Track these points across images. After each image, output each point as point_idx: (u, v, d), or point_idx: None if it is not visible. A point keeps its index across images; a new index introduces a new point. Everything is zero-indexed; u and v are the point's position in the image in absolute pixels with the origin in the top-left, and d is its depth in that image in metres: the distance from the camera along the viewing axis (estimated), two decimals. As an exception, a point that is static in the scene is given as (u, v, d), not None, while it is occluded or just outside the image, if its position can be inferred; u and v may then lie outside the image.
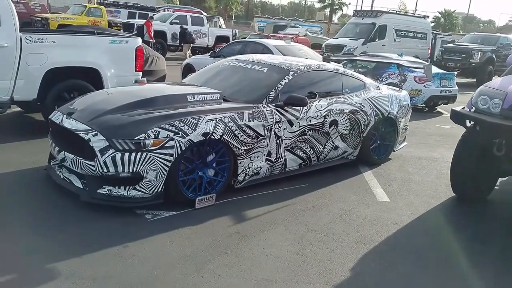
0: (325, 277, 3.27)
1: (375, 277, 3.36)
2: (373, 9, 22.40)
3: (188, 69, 11.64)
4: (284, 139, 4.89)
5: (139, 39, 7.28)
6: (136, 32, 18.20)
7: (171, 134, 4.00)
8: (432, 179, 5.77)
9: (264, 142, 4.69)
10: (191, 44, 19.89)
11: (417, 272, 3.47)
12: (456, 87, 11.38)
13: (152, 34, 18.32)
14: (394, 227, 4.24)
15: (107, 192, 3.94)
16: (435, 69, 11.16)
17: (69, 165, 4.14)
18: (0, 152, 5.37)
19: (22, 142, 5.87)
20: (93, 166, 3.90)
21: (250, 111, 4.64)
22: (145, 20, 19.47)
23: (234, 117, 4.47)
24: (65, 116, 4.39)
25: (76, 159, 4.04)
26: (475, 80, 18.00)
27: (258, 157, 4.68)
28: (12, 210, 3.93)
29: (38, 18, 20.74)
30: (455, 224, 4.60)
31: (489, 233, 4.33)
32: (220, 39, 22.48)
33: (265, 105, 4.81)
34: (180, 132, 4.04)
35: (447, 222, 4.62)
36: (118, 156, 3.86)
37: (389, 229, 4.18)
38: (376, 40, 18.68)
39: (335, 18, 58.59)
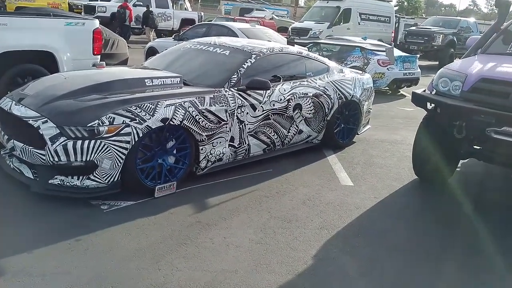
0: (288, 266, 3.20)
1: (339, 263, 3.31)
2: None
3: (152, 53, 11.32)
4: (247, 124, 4.77)
5: (97, 21, 6.96)
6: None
7: (127, 120, 3.82)
8: (394, 162, 5.80)
9: (226, 127, 4.56)
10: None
11: (381, 257, 3.45)
12: (419, 70, 11.52)
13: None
14: (357, 211, 4.21)
15: (59, 182, 3.74)
16: (398, 52, 11.26)
17: (19, 154, 3.91)
18: None
19: (-29, 130, 5.55)
20: (44, 155, 3.68)
21: (212, 96, 4.49)
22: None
23: (195, 101, 4.32)
24: (14, 102, 4.13)
25: (25, 148, 3.81)
26: (437, 62, 18.31)
27: (220, 142, 4.55)
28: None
29: (-7, 0, 19.71)
30: (418, 207, 4.63)
31: (451, 215, 4.36)
32: (186, 22, 22.00)
33: (227, 89, 4.67)
34: (137, 118, 3.87)
35: (410, 205, 4.63)
36: (70, 144, 3.65)
37: (352, 213, 4.15)
38: (341, 23, 18.71)
39: (301, 2, 58.39)
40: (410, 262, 3.43)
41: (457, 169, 5.25)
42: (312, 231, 3.73)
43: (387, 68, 10.54)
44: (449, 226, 4.09)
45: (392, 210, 4.38)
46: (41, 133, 3.68)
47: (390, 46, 9.09)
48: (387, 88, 11.14)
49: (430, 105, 4.48)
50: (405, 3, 58.92)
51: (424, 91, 4.76)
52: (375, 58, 10.49)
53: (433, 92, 4.60)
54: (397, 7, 47.75)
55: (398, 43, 19.98)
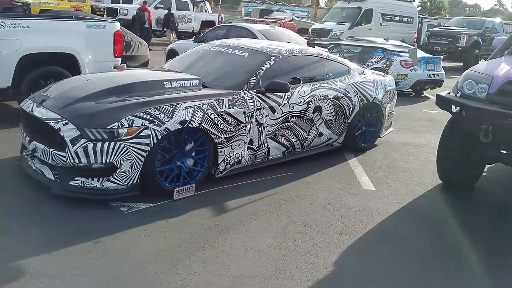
0: (307, 272, 3.13)
1: (360, 271, 3.23)
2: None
3: (172, 55, 11.36)
4: (266, 127, 4.73)
5: (118, 24, 7.02)
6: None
7: (146, 123, 3.81)
8: (418, 166, 5.67)
9: (245, 129, 4.52)
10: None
11: (403, 265, 3.36)
12: (443, 71, 11.29)
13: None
14: (380, 217, 4.12)
15: (80, 184, 3.75)
16: (421, 53, 11.05)
17: (40, 155, 3.94)
18: (-30, 143, 5.15)
19: (-5, 131, 5.65)
20: (64, 156, 3.70)
21: (230, 98, 4.46)
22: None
23: (213, 104, 4.29)
24: (35, 104, 4.17)
25: (47, 150, 3.84)
26: (461, 64, 17.96)
27: (239, 145, 4.52)
28: (-21, 204, 3.73)
29: (19, 3, 20.08)
30: (442, 212, 4.49)
31: (477, 221, 4.23)
32: (206, 24, 22.12)
33: (246, 91, 4.63)
34: (155, 121, 3.86)
35: (433, 211, 4.51)
36: (90, 146, 3.66)
37: (374, 219, 4.06)
38: (363, 24, 18.52)
39: (322, 3, 58.10)
40: (433, 270, 3.32)
41: (483, 174, 5.09)
42: (333, 237, 3.66)
43: (410, 70, 10.37)
44: (474, 233, 3.96)
45: (416, 216, 4.27)
46: (62, 135, 3.71)
47: (413, 47, 8.89)
48: (410, 90, 10.95)
49: (455, 108, 4.35)
50: (428, 4, 58.11)
51: (449, 93, 4.64)
52: (398, 59, 10.32)
53: (458, 95, 4.48)
54: (420, 8, 47.18)
55: (421, 44, 19.69)
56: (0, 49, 5.67)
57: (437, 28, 20.36)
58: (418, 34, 21.35)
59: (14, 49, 5.77)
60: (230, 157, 4.47)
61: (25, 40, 5.85)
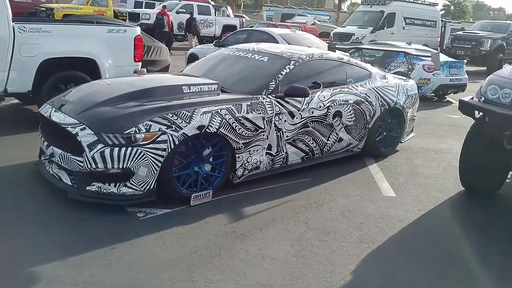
0: (325, 281, 3.06)
1: (379, 280, 3.14)
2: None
3: (193, 59, 11.38)
4: (285, 132, 4.67)
5: (138, 28, 7.06)
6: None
7: (164, 128, 3.80)
8: (440, 172, 5.53)
9: (263, 135, 4.47)
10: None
11: (424, 274, 3.25)
12: (466, 76, 11.07)
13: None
14: (400, 224, 4.01)
15: (97, 189, 3.75)
16: (444, 58, 10.86)
17: (58, 160, 3.96)
18: (-8, 146, 5.22)
19: (17, 135, 5.72)
20: (81, 162, 3.70)
21: (249, 103, 4.42)
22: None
23: (232, 109, 4.25)
24: (54, 109, 4.20)
25: (64, 155, 3.85)
26: (485, 68, 17.59)
27: (257, 150, 4.46)
28: (-2, 208, 3.76)
29: (43, 8, 20.54)
30: (465, 220, 4.36)
31: (500, 230, 4.09)
32: (227, 28, 22.20)
33: (265, 96, 4.58)
34: (173, 126, 3.84)
35: (456, 218, 4.39)
36: (107, 151, 3.66)
37: (395, 226, 3.96)
38: (385, 28, 18.33)
39: (344, 7, 57.86)
40: (454, 279, 3.21)
41: (507, 180, 4.93)
42: (351, 245, 3.57)
43: (433, 74, 10.18)
44: (496, 242, 3.82)
45: (437, 224, 4.15)
46: (79, 140, 3.71)
47: (436, 51, 8.75)
48: (432, 94, 10.75)
49: (478, 113, 4.24)
50: (452, 7, 57.23)
51: (472, 98, 4.51)
52: (420, 63, 10.14)
53: (482, 100, 4.35)
54: (443, 11, 46.50)
55: (444, 48, 19.36)
56: (21, 53, 5.74)
57: (460, 32, 19.99)
58: (441, 38, 21.00)
59: (35, 54, 5.85)
60: (248, 162, 4.42)
61: (45, 45, 5.92)
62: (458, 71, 10.80)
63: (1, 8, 5.57)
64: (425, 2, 21.59)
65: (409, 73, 9.25)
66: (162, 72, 8.09)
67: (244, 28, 18.67)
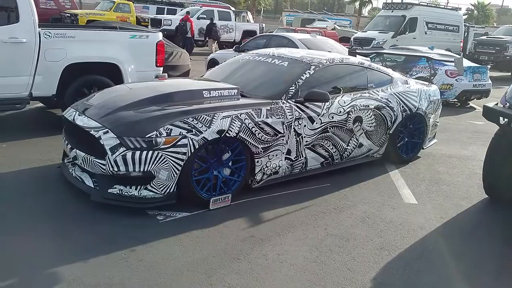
0: (344, 288, 3.03)
1: (399, 288, 3.10)
2: (403, 1, 21.75)
3: (213, 64, 11.48)
4: (304, 137, 4.65)
5: (160, 34, 7.15)
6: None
7: (184, 132, 3.83)
8: (463, 179, 5.43)
9: (283, 139, 4.47)
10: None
11: (446, 283, 3.20)
12: (490, 81, 10.87)
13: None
14: (421, 232, 3.95)
15: (118, 191, 3.80)
16: (467, 63, 10.69)
17: (81, 163, 4.02)
18: (17, 149, 5.33)
19: (41, 138, 5.83)
20: (104, 164, 3.76)
21: (268, 107, 4.42)
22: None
23: (251, 113, 4.26)
24: (77, 113, 4.28)
25: (87, 157, 3.92)
26: (509, 73, 17.26)
27: (276, 155, 4.46)
28: (21, 210, 3.82)
29: (67, 14, 20.95)
30: (488, 228, 4.27)
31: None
32: (247, 34, 22.30)
33: (284, 101, 4.58)
34: (193, 130, 3.87)
35: (479, 226, 4.30)
36: (129, 154, 3.71)
37: (416, 234, 3.90)
38: (407, 33, 18.16)
39: (365, 11, 57.53)
40: (479, 291, 3.15)
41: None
42: (372, 252, 3.53)
43: (456, 79, 10.04)
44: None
45: (460, 232, 4.08)
46: (102, 143, 3.77)
47: (460, 57, 8.61)
48: (455, 100, 10.59)
49: (503, 120, 4.15)
50: (475, 12, 56.34)
51: (497, 104, 4.42)
52: (443, 68, 10.02)
53: (507, 106, 4.27)
54: (466, 16, 45.83)
55: (467, 53, 19.08)
56: (46, 58, 5.86)
57: (484, 37, 19.68)
58: (464, 43, 20.70)
59: (60, 59, 5.96)
60: (267, 167, 4.42)
61: (70, 50, 6.03)
62: (482, 76, 10.62)
63: (28, 14, 5.70)
64: (448, 7, 21.33)
65: (432, 78, 9.14)
66: (182, 77, 8.17)
67: (263, 34, 18.73)
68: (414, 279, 3.23)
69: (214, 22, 19.45)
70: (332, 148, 4.95)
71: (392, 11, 19.21)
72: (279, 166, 4.51)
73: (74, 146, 4.14)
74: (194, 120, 3.94)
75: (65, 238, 3.42)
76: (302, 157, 4.70)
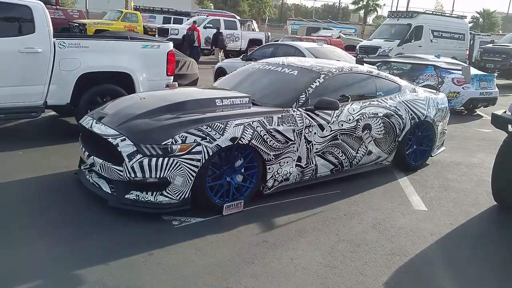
0: (357, 291, 3.10)
1: (411, 292, 3.17)
2: (408, 9, 21.92)
3: (221, 73, 11.63)
4: (314, 144, 4.74)
5: (171, 44, 7.28)
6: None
7: (198, 139, 3.93)
8: (472, 186, 5.49)
9: (293, 147, 4.56)
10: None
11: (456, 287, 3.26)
12: (497, 89, 10.91)
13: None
14: (432, 238, 4.02)
15: (135, 197, 3.90)
16: (474, 71, 10.76)
17: (98, 169, 4.13)
18: (33, 156, 5.45)
19: (55, 146, 5.95)
20: (121, 171, 3.86)
21: (280, 115, 4.52)
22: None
23: (263, 121, 4.36)
24: (94, 121, 4.39)
25: (104, 164, 4.02)
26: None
27: (287, 162, 4.55)
28: (40, 215, 3.93)
29: (76, 24, 21.24)
30: (497, 235, 4.33)
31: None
32: (253, 42, 22.50)
33: (295, 109, 4.68)
34: (207, 137, 3.97)
35: (488, 232, 4.36)
36: (146, 161, 3.81)
37: (426, 240, 3.96)
38: (412, 41, 18.29)
39: (369, 20, 57.72)
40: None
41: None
42: (383, 257, 3.60)
43: (462, 87, 10.10)
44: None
45: (469, 238, 4.14)
46: (120, 150, 3.87)
47: (467, 65, 8.70)
48: (462, 108, 10.65)
49: (512, 127, 4.22)
50: (481, 20, 56.40)
51: (505, 112, 4.50)
52: (450, 76, 10.09)
53: (515, 114, 4.34)
54: (471, 24, 45.88)
55: (473, 61, 19.14)
56: (60, 68, 6.00)
57: (490, 45, 19.73)
58: (470, 51, 20.77)
59: (74, 68, 6.10)
60: (279, 174, 4.50)
61: (84, 60, 6.17)
62: (488, 84, 10.67)
63: (44, 25, 5.85)
64: (453, 15, 21.43)
65: (439, 86, 9.22)
66: (193, 86, 8.29)
67: (270, 42, 18.88)
68: (425, 283, 3.29)
69: (220, 31, 19.64)
70: (342, 155, 5.03)
71: (398, 20, 19.35)
72: (290, 173, 4.60)
73: (92, 153, 4.24)
74: (208, 128, 4.04)
75: (84, 242, 3.51)
76: (312, 164, 4.79)
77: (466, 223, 4.42)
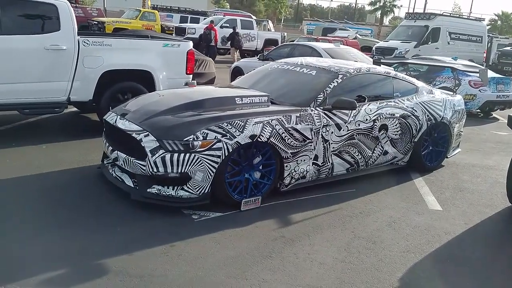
0: (373, 287, 3.18)
1: (425, 288, 3.24)
2: (426, 11, 21.85)
3: (237, 72, 11.76)
4: (331, 143, 4.82)
5: (191, 43, 7.40)
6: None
7: (219, 136, 4.04)
8: (487, 187, 5.52)
9: (311, 145, 4.64)
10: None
11: (470, 285, 3.32)
12: (514, 92, 10.86)
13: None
14: (446, 237, 4.07)
15: (157, 191, 4.02)
16: (491, 74, 10.73)
17: (122, 164, 4.26)
18: (57, 151, 5.61)
19: (78, 141, 6.12)
20: (144, 165, 3.99)
21: (298, 114, 4.61)
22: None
23: (282, 120, 4.45)
24: (118, 116, 4.53)
25: (128, 159, 4.16)
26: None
27: (304, 160, 4.64)
28: (66, 208, 4.07)
29: (94, 22, 21.56)
30: (511, 235, 4.38)
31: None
32: (269, 42, 22.60)
33: (313, 108, 4.76)
34: (227, 134, 4.07)
35: (502, 233, 4.40)
36: (168, 156, 3.93)
37: (441, 239, 4.02)
38: (429, 43, 18.22)
39: (386, 21, 57.41)
40: (504, 293, 3.26)
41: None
42: (398, 254, 3.67)
43: (479, 90, 10.08)
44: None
45: (484, 238, 4.19)
46: (143, 145, 4.00)
47: (484, 67, 8.68)
48: (478, 110, 10.62)
49: (529, 129, 4.25)
50: (499, 22, 55.73)
51: (522, 114, 4.54)
52: (467, 79, 10.08)
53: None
54: (489, 26, 45.39)
55: (490, 63, 19.00)
56: (84, 65, 6.16)
57: (508, 48, 19.57)
58: (487, 54, 20.61)
59: (97, 66, 6.25)
60: (296, 171, 4.60)
61: (107, 57, 6.32)
62: (506, 87, 10.63)
63: (69, 23, 6.01)
64: (471, 17, 21.29)
65: (456, 88, 9.22)
66: (211, 84, 8.42)
67: (287, 43, 18.95)
68: (439, 281, 3.36)
69: (236, 31, 19.77)
70: (358, 154, 5.10)
71: (415, 21, 19.29)
72: (306, 171, 4.69)
73: (115, 148, 4.38)
74: (228, 125, 4.14)
75: (108, 234, 3.64)
76: (329, 162, 4.87)
77: (480, 223, 4.46)
